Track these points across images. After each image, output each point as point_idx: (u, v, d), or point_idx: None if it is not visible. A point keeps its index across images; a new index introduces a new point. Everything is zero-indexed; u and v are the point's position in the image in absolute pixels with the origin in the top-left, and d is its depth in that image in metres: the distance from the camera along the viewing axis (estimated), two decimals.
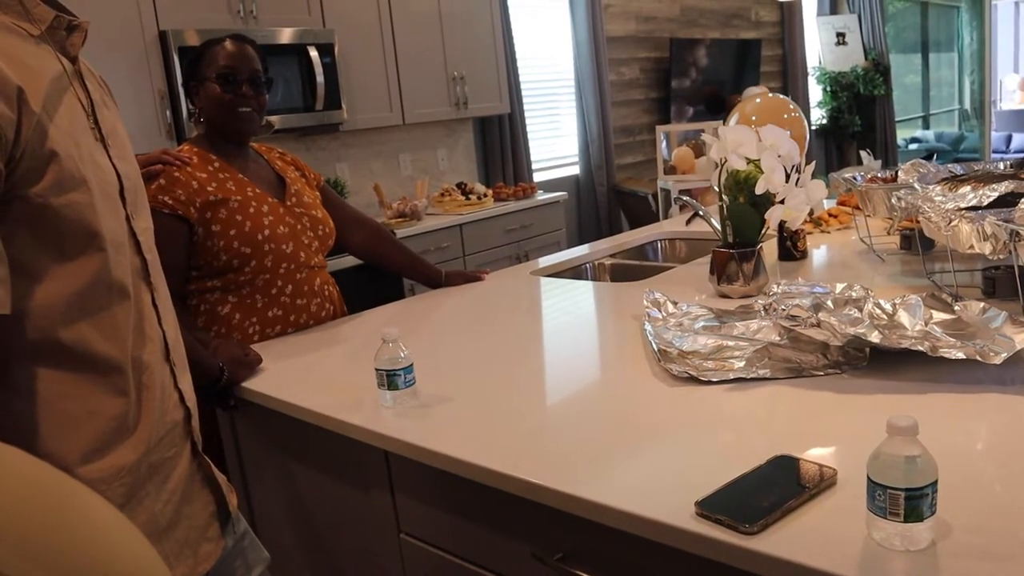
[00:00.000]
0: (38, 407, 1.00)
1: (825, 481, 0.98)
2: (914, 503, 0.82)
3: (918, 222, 1.78)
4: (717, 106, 6.85)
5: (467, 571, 1.30)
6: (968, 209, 1.66)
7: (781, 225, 2.02)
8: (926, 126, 11.73)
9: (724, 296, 1.92)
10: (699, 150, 5.14)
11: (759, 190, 1.82)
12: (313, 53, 3.89)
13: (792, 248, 2.25)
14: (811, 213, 1.91)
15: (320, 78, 3.91)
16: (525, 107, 5.50)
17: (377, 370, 1.41)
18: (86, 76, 1.12)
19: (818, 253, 2.35)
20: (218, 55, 1.88)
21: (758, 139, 1.84)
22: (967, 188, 1.73)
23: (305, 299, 1.99)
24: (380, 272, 3.74)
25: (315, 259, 2.02)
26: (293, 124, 3.91)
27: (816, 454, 1.08)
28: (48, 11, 1.04)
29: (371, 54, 4.31)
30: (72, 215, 1.00)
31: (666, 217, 5.20)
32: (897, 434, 0.83)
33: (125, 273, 1.09)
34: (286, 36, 3.84)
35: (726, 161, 1.88)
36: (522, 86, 5.44)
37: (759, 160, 1.84)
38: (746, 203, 1.90)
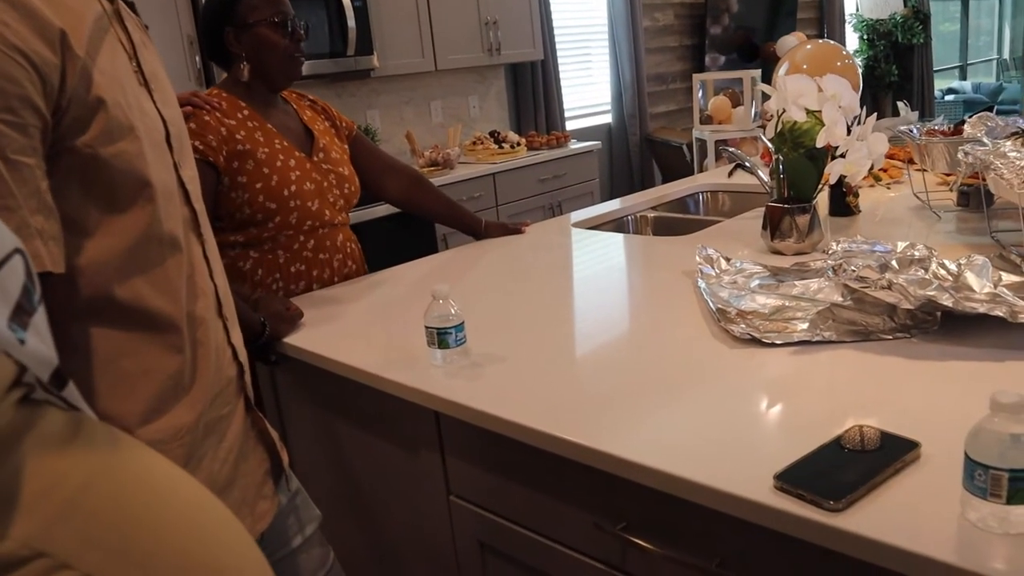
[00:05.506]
0: (96, 367, 0.96)
1: (910, 455, 0.93)
2: (1019, 484, 0.77)
3: (983, 178, 1.70)
4: (750, 54, 6.66)
5: (519, 536, 1.27)
6: None
7: (840, 180, 1.94)
8: (963, 76, 11.42)
9: (777, 252, 1.86)
10: (736, 99, 5.01)
11: (820, 143, 1.75)
12: None
13: (850, 204, 2.17)
14: (871, 167, 1.83)
15: (351, 23, 3.82)
16: (558, 53, 5.38)
17: (427, 328, 1.36)
18: (125, 16, 1.06)
19: (869, 209, 2.27)
20: (263, 1, 1.81)
21: (818, 89, 1.76)
22: None
23: (328, 254, 1.94)
24: (409, 223, 3.71)
25: (339, 217, 1.97)
26: (323, 70, 3.82)
27: (894, 425, 1.03)
28: None
29: None
30: (122, 165, 0.95)
31: (702, 168, 5.09)
32: (1002, 411, 0.78)
33: (176, 224, 1.04)
34: None
35: (784, 112, 1.80)
36: (555, 31, 5.31)
37: (818, 111, 1.77)
38: (801, 156, 1.82)
